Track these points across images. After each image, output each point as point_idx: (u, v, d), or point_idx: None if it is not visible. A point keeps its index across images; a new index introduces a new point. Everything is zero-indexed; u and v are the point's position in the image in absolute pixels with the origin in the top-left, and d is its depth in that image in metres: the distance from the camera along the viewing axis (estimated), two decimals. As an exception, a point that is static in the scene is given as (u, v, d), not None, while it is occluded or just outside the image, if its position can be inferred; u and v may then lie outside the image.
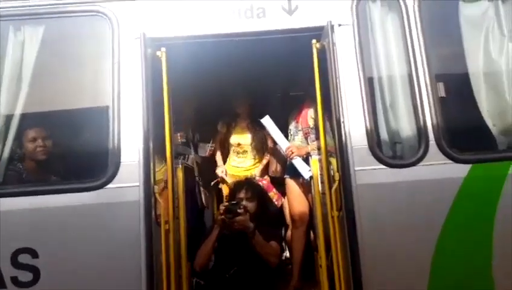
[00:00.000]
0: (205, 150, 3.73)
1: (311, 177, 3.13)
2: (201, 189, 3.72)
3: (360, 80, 2.56)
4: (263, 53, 2.85)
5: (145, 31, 2.57)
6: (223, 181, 3.75)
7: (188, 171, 3.31)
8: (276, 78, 3.63)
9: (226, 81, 3.42)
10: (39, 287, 2.36)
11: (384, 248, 2.44)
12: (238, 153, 3.74)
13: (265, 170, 3.70)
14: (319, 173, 2.94)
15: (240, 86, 3.60)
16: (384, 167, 2.49)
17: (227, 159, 3.79)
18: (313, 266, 3.21)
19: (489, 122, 2.60)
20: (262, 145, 3.70)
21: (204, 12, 2.66)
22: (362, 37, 2.62)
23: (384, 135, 2.59)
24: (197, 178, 3.69)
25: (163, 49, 2.63)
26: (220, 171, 3.73)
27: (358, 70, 2.57)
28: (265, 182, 3.61)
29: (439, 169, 2.48)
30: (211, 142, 3.71)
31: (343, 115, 2.50)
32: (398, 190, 2.47)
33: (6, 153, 2.59)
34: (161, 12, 2.66)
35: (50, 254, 2.39)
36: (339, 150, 2.50)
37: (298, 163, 3.23)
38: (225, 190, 3.69)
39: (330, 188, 2.59)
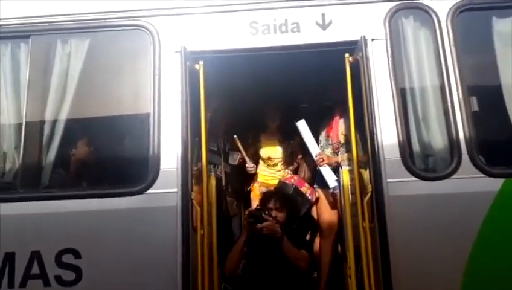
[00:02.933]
0: (234, 158, 3.80)
1: (335, 188, 3.17)
2: (228, 198, 3.80)
3: (392, 93, 2.61)
4: (297, 67, 2.94)
5: (185, 44, 2.70)
6: (252, 190, 3.81)
7: (217, 180, 3.40)
8: (309, 91, 3.69)
9: (259, 93, 3.51)
10: (81, 286, 2.48)
11: (416, 260, 2.46)
12: (268, 165, 3.81)
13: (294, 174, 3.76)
14: (349, 183, 2.98)
15: (273, 99, 3.67)
16: (416, 179, 2.52)
17: (258, 169, 3.85)
18: (339, 276, 3.24)
19: None
20: (293, 158, 3.75)
21: (240, 26, 2.76)
22: (395, 50, 2.68)
23: (416, 147, 2.63)
24: (224, 187, 3.77)
25: (201, 62, 2.75)
26: (250, 166, 3.73)
27: (391, 83, 2.63)
28: (296, 178, 3.65)
29: (472, 183, 2.49)
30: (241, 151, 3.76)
31: (376, 126, 2.56)
32: (430, 202, 2.49)
33: (51, 158, 2.74)
34: (199, 26, 2.79)
35: (92, 255, 2.51)
36: (371, 162, 2.55)
37: (326, 171, 3.27)
38: (254, 199, 3.76)
39: (362, 199, 2.62)
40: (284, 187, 3.57)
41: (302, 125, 3.34)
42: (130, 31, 2.82)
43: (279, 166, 3.78)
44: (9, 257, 2.51)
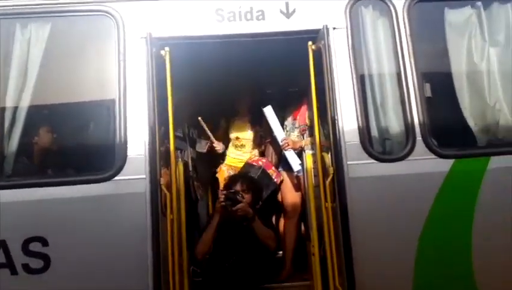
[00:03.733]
0: (202, 146, 3.85)
1: (299, 171, 3.31)
2: (195, 183, 3.86)
3: (353, 80, 2.74)
4: (262, 53, 3.00)
5: (150, 30, 2.70)
6: (219, 173, 3.89)
7: (184, 165, 3.44)
8: (274, 78, 3.77)
9: (226, 79, 3.55)
10: (49, 273, 2.48)
11: (374, 237, 2.63)
12: (236, 146, 3.89)
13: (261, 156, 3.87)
14: (312, 167, 3.11)
15: (240, 84, 3.74)
16: (374, 161, 2.68)
17: (226, 151, 3.93)
18: (303, 255, 3.40)
19: (470, 121, 2.80)
20: (260, 140, 3.85)
21: (206, 13, 2.79)
22: (355, 39, 2.79)
23: (375, 131, 2.78)
24: (191, 172, 3.82)
25: (167, 48, 2.76)
26: (219, 146, 3.82)
27: (351, 70, 2.75)
28: (264, 160, 3.75)
29: (425, 164, 2.68)
30: (210, 138, 3.82)
31: (337, 112, 2.68)
32: (387, 182, 2.66)
33: (14, 147, 2.68)
34: (165, 12, 2.78)
35: (60, 243, 2.51)
36: (333, 146, 2.68)
37: (290, 155, 3.39)
38: (221, 182, 3.83)
39: (324, 181, 2.76)
40: (251, 169, 3.67)
41: (268, 111, 3.42)
42: (94, 16, 2.78)
43: (247, 148, 3.87)
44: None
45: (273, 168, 3.68)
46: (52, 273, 2.49)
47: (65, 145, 2.84)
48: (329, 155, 2.79)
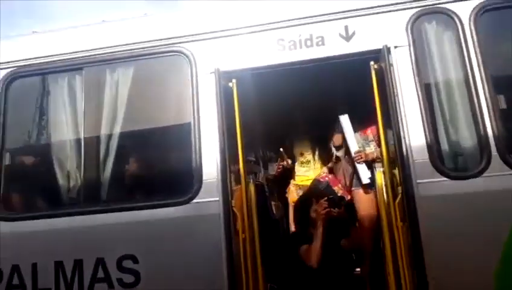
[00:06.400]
0: (274, 169, 4.01)
1: (367, 185, 3.30)
2: (273, 203, 4.01)
3: (418, 96, 2.70)
4: (324, 77, 3.09)
5: (218, 65, 2.94)
6: (289, 193, 4.00)
7: (258, 187, 3.61)
8: (339, 100, 3.80)
9: (290, 105, 3.70)
10: (140, 288, 2.78)
11: (448, 257, 2.54)
12: (302, 163, 3.98)
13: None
14: (383, 184, 3.09)
15: (303, 108, 3.85)
16: (446, 179, 2.60)
17: (294, 173, 4.04)
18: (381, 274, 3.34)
19: None
20: (326, 157, 3.89)
21: (268, 44, 2.96)
22: (418, 55, 2.76)
23: (445, 147, 2.70)
24: (267, 193, 3.98)
25: (234, 80, 2.98)
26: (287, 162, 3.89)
27: (416, 87, 2.71)
28: (330, 176, 3.77)
29: (503, 180, 2.53)
30: (278, 161, 3.96)
31: (403, 130, 2.66)
32: (461, 201, 2.56)
33: (107, 175, 3.08)
34: (230, 48, 3.01)
35: (148, 260, 2.80)
36: (400, 165, 2.65)
37: (361, 168, 3.39)
38: (291, 202, 3.92)
39: (394, 200, 2.74)
40: (318, 184, 3.72)
41: (344, 120, 3.43)
42: (170, 57, 3.10)
43: (312, 163, 3.94)
44: (78, 264, 2.87)
45: (340, 185, 3.70)
46: (142, 287, 2.78)
47: (151, 172, 3.18)
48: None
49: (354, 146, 3.45)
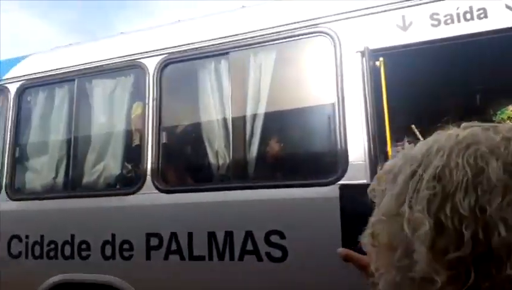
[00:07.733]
0: None
1: None
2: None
3: None
4: (486, 54, 2.84)
5: (365, 44, 2.88)
6: None
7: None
8: (504, 81, 3.46)
9: (441, 84, 3.48)
10: (287, 263, 2.92)
11: None
12: None
13: None
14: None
15: (458, 91, 3.60)
16: None
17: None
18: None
19: None
20: None
21: (420, 19, 2.81)
22: None
23: None
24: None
25: (381, 58, 2.90)
26: None
27: None
28: None
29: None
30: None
31: None
32: None
33: (253, 153, 3.25)
34: (377, 25, 2.92)
35: (293, 237, 2.92)
36: None
37: None
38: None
39: None
40: None
41: None
42: (312, 38, 3.12)
43: None
44: (229, 235, 3.10)
45: None
46: (290, 263, 2.91)
47: (295, 152, 3.29)
48: None
49: None
